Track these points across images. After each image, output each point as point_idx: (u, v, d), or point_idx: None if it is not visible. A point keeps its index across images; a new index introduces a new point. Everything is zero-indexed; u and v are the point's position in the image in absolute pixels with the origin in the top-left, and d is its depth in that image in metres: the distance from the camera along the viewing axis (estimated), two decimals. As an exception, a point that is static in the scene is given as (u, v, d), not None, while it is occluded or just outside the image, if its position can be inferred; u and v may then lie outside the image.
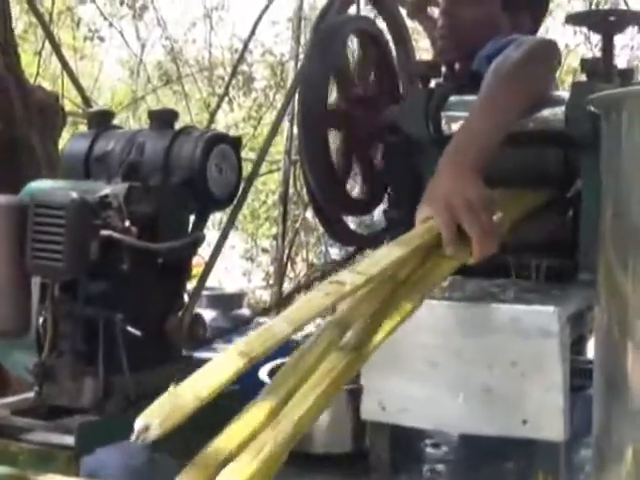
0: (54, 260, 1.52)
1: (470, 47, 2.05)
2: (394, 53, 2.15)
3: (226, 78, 9.68)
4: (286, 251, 7.92)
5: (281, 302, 2.77)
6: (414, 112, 1.89)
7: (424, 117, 1.87)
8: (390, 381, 1.66)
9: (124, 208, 1.58)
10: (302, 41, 8.78)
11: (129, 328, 1.57)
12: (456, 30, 2.12)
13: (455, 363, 1.61)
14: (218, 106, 8.34)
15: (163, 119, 1.85)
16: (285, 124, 4.43)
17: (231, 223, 1.86)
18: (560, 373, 1.55)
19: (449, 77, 2.00)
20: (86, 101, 6.84)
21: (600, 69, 1.76)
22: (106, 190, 1.59)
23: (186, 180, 1.73)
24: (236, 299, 2.55)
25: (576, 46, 8.74)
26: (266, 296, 8.98)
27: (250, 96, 10.01)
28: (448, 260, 1.53)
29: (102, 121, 1.92)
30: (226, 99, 8.86)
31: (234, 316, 2.44)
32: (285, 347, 2.24)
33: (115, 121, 1.94)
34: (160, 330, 1.68)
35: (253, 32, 7.96)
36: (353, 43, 2.04)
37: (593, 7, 8.33)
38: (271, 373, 1.95)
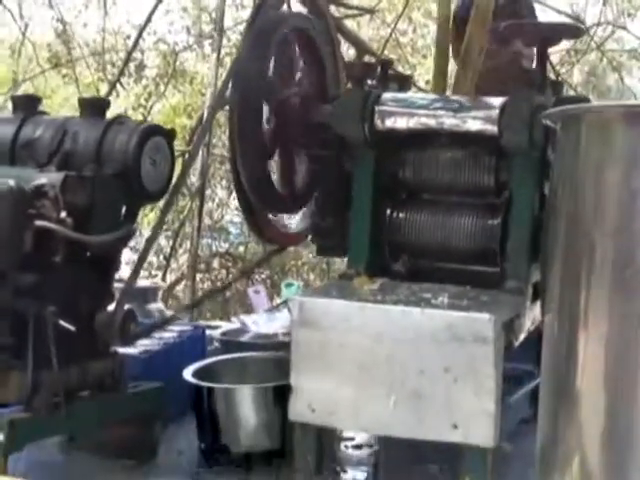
0: (-14, 250, 1.46)
1: None
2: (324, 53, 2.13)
3: (117, 64, 9.48)
4: (170, 242, 7.79)
5: (199, 300, 2.72)
6: (349, 113, 1.86)
7: (360, 118, 1.85)
8: (320, 382, 1.64)
9: (60, 198, 1.52)
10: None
11: (61, 322, 1.51)
12: None
13: (386, 367, 1.61)
14: (110, 92, 8.15)
15: (95, 107, 1.79)
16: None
17: (162, 220, 1.82)
18: (493, 380, 1.56)
19: (382, 79, 2.00)
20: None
21: (537, 80, 1.79)
22: (42, 179, 1.53)
23: (119, 172, 1.68)
24: (151, 292, 2.50)
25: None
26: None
27: (140, 83, 9.80)
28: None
29: (28, 106, 1.85)
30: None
31: (150, 310, 2.40)
32: (215, 350, 2.23)
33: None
34: (90, 325, 1.63)
35: (149, 19, 7.82)
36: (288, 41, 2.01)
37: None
38: (195, 373, 1.92)
